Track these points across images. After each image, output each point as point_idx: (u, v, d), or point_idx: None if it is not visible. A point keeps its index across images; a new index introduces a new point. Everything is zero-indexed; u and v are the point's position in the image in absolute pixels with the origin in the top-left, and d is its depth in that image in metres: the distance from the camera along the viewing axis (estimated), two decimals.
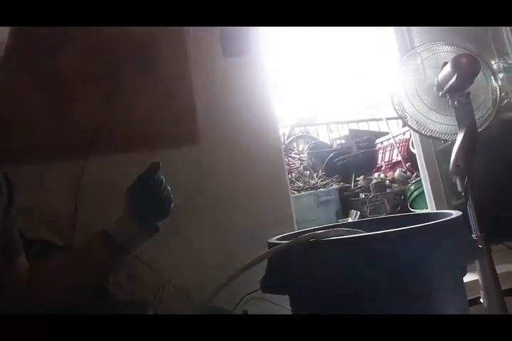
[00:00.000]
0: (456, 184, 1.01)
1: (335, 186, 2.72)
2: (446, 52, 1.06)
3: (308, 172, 3.12)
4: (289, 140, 3.52)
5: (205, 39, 1.29)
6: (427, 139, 1.59)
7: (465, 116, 0.99)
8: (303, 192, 2.64)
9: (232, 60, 1.30)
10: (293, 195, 2.56)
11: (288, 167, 3.21)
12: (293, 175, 3.07)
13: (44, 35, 1.18)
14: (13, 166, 1.09)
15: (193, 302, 1.02)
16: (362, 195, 2.64)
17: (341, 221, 2.27)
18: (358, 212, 2.46)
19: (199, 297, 1.01)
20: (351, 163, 2.96)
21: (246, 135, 1.30)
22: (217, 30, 1.28)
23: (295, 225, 1.35)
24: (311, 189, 2.70)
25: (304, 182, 2.85)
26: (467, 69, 0.91)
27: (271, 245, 0.58)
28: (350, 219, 2.33)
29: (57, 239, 0.92)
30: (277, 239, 0.64)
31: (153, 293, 1.04)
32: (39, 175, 1.11)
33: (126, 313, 0.53)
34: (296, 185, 2.84)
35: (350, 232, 0.51)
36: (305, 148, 3.42)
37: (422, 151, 1.59)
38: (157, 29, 1.22)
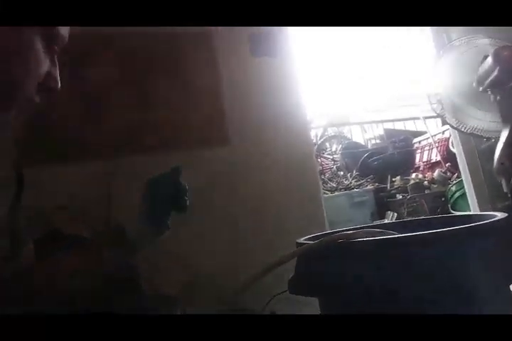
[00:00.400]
0: (501, 184, 0.95)
1: (370, 187, 2.65)
2: (485, 45, 1.00)
3: (341, 172, 3.06)
4: (322, 140, 3.47)
5: (234, 39, 1.30)
6: (468, 137, 1.50)
7: (509, 111, 0.93)
8: (336, 193, 2.59)
9: (262, 59, 1.30)
10: (325, 195, 2.52)
11: (321, 167, 3.16)
12: (326, 175, 3.03)
13: (77, 40, 1.25)
14: (50, 166, 1.18)
15: (219, 299, 1.03)
16: (399, 196, 2.55)
17: (376, 222, 2.21)
18: (395, 214, 2.38)
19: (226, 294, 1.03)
20: (387, 163, 2.86)
21: (276, 135, 1.30)
22: (246, 30, 1.29)
23: (326, 226, 1.33)
24: (345, 189, 2.64)
25: (338, 183, 2.80)
26: (510, 62, 0.86)
27: (299, 245, 0.57)
28: (386, 221, 2.25)
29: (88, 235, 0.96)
30: (306, 239, 0.63)
31: (178, 288, 1.06)
32: (74, 175, 1.17)
33: (156, 308, 0.53)
34: (329, 185, 2.79)
35: (382, 234, 0.49)
36: (338, 148, 3.35)
37: (463, 150, 1.51)
38: (184, 30, 1.25)
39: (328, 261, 0.53)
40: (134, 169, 1.18)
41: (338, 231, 0.72)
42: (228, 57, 1.31)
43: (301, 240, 0.61)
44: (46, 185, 1.11)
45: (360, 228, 0.67)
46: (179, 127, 1.29)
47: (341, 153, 3.20)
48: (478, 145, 1.50)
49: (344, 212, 2.32)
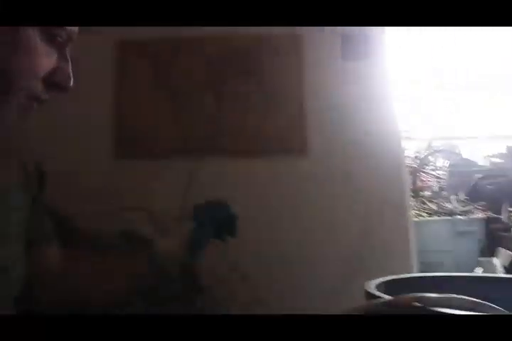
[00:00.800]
0: None
1: (480, 215, 2.23)
2: None
3: (445, 193, 2.66)
4: (426, 154, 3.08)
5: (322, 42, 1.20)
6: None
7: None
8: (435, 217, 2.25)
9: (352, 64, 1.17)
10: (421, 218, 2.21)
11: (420, 184, 2.81)
12: (425, 193, 2.66)
13: (160, 49, 1.30)
14: (134, 164, 1.24)
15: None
16: None
17: (478, 269, 1.81)
18: (509, 252, 1.94)
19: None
20: (505, 188, 2.37)
21: (361, 147, 1.16)
22: (337, 31, 1.17)
23: (413, 256, 1.13)
24: (447, 214, 2.27)
25: (438, 206, 2.43)
26: None
27: (367, 295, 0.45)
28: (496, 261, 1.85)
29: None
30: (379, 284, 0.50)
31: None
32: (153, 175, 1.21)
33: None
34: (427, 206, 2.44)
35: (478, 306, 0.34)
36: (444, 164, 2.93)
37: None
38: (269, 31, 1.19)
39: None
40: (211, 170, 1.17)
41: (425, 278, 0.57)
42: (315, 60, 1.22)
43: (371, 287, 0.49)
44: (124, 184, 1.18)
45: (459, 277, 0.51)
46: (258, 133, 1.24)
47: (449, 171, 2.78)
48: None
49: (443, 242, 1.99)
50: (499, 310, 0.34)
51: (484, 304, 0.34)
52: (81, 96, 1.26)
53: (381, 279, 0.51)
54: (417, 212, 2.31)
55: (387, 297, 0.41)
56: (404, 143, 1.21)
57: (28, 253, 0.47)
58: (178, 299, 0.81)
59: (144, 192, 1.14)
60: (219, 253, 1.03)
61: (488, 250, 2.07)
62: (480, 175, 2.53)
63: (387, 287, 0.49)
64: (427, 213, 2.34)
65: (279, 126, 1.24)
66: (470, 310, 0.34)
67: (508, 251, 1.98)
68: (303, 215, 1.17)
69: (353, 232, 1.13)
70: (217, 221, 0.60)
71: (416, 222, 1.81)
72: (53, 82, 0.39)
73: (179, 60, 1.29)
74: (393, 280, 0.53)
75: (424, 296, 0.36)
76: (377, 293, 0.44)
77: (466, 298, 0.35)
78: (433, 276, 0.59)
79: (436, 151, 3.11)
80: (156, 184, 1.17)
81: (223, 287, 1.05)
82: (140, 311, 0.76)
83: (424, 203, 2.51)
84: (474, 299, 0.35)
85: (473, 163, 2.90)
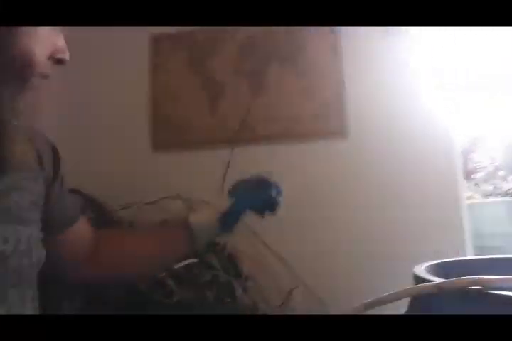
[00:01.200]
0: None
1: None
2: None
3: (502, 172, 2.45)
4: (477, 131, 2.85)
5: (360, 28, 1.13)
6: None
7: None
8: (491, 199, 2.08)
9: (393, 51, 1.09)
10: (476, 200, 2.06)
11: (472, 165, 2.61)
12: (479, 175, 2.47)
13: (201, 38, 1.29)
14: (170, 153, 1.26)
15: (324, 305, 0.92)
16: None
17: None
18: None
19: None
20: None
21: (404, 126, 1.09)
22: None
23: (467, 239, 1.05)
24: (504, 195, 2.10)
25: (495, 186, 2.25)
26: None
27: (416, 278, 0.42)
28: None
29: None
30: (429, 268, 0.46)
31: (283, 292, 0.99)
32: (190, 165, 1.22)
33: None
34: (481, 188, 2.27)
35: None
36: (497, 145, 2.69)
37: None
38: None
39: (452, 310, 0.37)
40: (248, 158, 1.16)
41: (481, 260, 0.52)
42: (356, 44, 1.16)
43: (422, 269, 0.45)
44: (161, 174, 1.20)
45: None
46: (294, 117, 1.21)
47: (504, 147, 2.55)
48: None
49: (501, 225, 1.84)
50: None
51: None
52: (117, 86, 1.31)
53: (430, 263, 0.47)
54: (471, 194, 2.16)
55: (438, 280, 0.37)
56: (453, 124, 1.12)
57: (52, 234, 0.47)
58: (218, 287, 0.82)
59: (181, 182, 1.16)
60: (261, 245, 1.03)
61: None
62: None
63: (437, 270, 0.45)
64: (481, 196, 2.17)
65: (314, 109, 1.20)
66: None
67: None
68: (348, 196, 1.12)
69: (402, 212, 1.07)
70: (255, 195, 0.58)
71: (470, 204, 1.68)
72: (55, 58, 0.40)
73: (214, 48, 1.29)
74: (444, 262, 0.48)
75: (483, 278, 0.32)
76: (427, 276, 0.41)
77: None
78: (487, 259, 0.53)
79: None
80: (193, 174, 1.18)
81: (266, 275, 1.04)
82: (177, 297, 0.77)
83: (478, 185, 2.34)
84: None
85: None
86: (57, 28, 0.40)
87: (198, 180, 1.15)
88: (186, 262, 0.80)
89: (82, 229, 0.54)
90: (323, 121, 1.18)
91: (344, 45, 1.19)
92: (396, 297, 0.38)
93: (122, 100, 1.30)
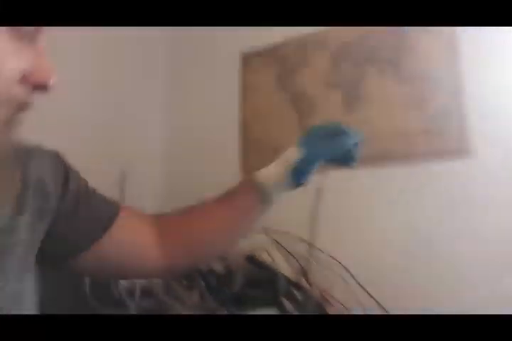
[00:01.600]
0: None
1: None
2: None
3: None
4: None
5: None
6: None
7: None
8: None
9: None
10: None
11: None
12: None
13: (290, 50, 1.22)
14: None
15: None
16: None
17: None
18: None
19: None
20: None
21: None
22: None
23: None
24: None
25: None
26: None
27: None
28: None
29: (289, 268, 0.89)
30: None
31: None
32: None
33: None
34: None
35: None
36: None
37: None
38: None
39: None
40: (343, 183, 1.05)
41: None
42: (477, 45, 0.96)
43: None
44: None
45: None
46: (399, 132, 1.05)
47: None
48: None
49: None
50: None
51: None
52: (207, 107, 1.32)
53: None
54: None
55: None
56: None
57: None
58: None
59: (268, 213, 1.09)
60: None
61: None
62: None
63: None
64: None
65: (424, 126, 1.02)
66: None
67: None
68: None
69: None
70: (329, 144, 0.51)
71: None
72: (32, 81, 0.32)
73: (305, 60, 1.21)
74: None
75: None
76: None
77: None
78: None
79: None
80: (283, 202, 1.10)
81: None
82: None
83: None
84: None
85: None
86: (39, 40, 0.33)
87: (288, 211, 1.07)
88: (264, 312, 0.70)
89: (127, 223, 0.46)
90: (436, 136, 1.00)
91: (463, 45, 1.00)
92: None
93: (214, 123, 1.31)
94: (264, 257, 0.84)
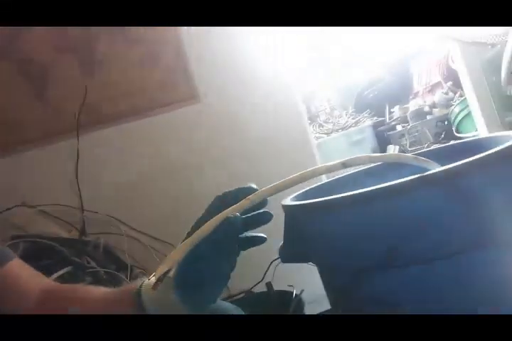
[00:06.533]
0: (509, 95, 0.80)
1: (367, 122, 2.49)
2: None
3: (337, 111, 2.89)
4: (313, 81, 3.24)
5: None
6: (470, 48, 1.32)
7: None
8: (333, 135, 2.45)
9: None
10: (322, 139, 2.39)
11: (314, 109, 2.99)
12: (321, 118, 2.86)
13: None
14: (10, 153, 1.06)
15: None
16: (399, 127, 2.40)
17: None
18: (397, 147, 2.25)
19: None
20: (384, 93, 2.67)
21: (252, 86, 1.15)
22: None
23: (323, 176, 1.22)
24: (342, 130, 2.50)
25: (334, 124, 2.65)
26: None
27: (285, 208, 0.47)
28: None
29: (65, 233, 0.87)
30: (295, 198, 0.52)
31: None
32: (33, 169, 1.05)
33: None
34: (325, 128, 2.64)
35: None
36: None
37: (465, 64, 1.34)
38: None
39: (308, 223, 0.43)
40: (98, 143, 1.06)
41: (336, 181, 0.60)
42: None
43: (288, 201, 0.50)
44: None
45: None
46: (134, 93, 1.13)
47: (334, 91, 2.99)
48: (481, 55, 1.32)
49: (343, 154, 2.21)
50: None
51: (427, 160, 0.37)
52: None
53: (293, 195, 0.53)
54: (318, 134, 2.49)
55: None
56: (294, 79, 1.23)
57: None
58: None
59: (25, 187, 0.99)
60: None
61: (381, 151, 2.37)
62: (360, 87, 2.78)
63: (304, 198, 0.50)
64: (325, 134, 2.53)
65: (158, 81, 1.14)
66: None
67: (396, 146, 2.29)
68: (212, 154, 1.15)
69: (261, 164, 1.16)
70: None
71: (318, 143, 1.95)
72: None
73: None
74: (308, 190, 0.55)
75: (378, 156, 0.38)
76: (295, 202, 0.46)
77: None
78: (342, 177, 0.62)
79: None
80: (38, 175, 1.01)
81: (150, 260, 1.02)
82: None
83: (322, 126, 2.70)
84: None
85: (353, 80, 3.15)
86: None
87: (46, 181, 1.00)
88: (61, 272, 0.71)
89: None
90: (169, 88, 1.15)
91: None
92: (303, 177, 0.41)
93: None
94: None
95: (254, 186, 0.42)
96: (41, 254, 0.75)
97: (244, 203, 0.39)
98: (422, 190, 0.34)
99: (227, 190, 0.42)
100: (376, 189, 0.35)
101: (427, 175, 0.34)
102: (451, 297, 0.35)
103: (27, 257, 0.71)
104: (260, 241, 0.41)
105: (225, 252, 0.39)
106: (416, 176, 0.34)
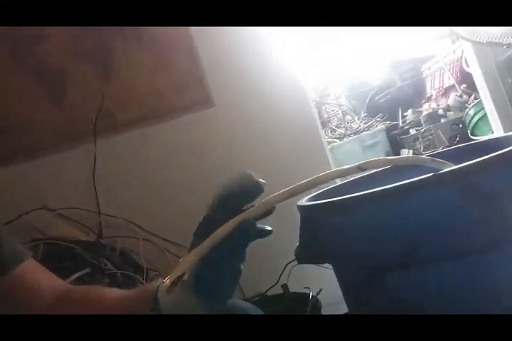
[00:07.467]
0: None
1: (380, 126, 2.48)
2: None
3: (349, 116, 2.88)
4: (323, 86, 3.24)
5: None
6: (484, 50, 1.31)
7: None
8: (345, 139, 2.44)
9: None
10: (334, 143, 2.38)
11: (326, 115, 2.99)
12: (333, 123, 2.86)
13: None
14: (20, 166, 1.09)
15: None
16: (412, 131, 2.37)
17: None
18: (411, 151, 2.23)
19: None
20: (396, 97, 2.65)
21: (265, 90, 1.15)
22: None
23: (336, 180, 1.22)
24: (354, 134, 2.49)
25: (346, 129, 2.64)
26: None
27: (301, 208, 0.47)
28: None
29: (83, 236, 0.89)
30: (309, 200, 0.53)
31: None
32: (51, 173, 1.08)
33: None
34: (337, 132, 2.64)
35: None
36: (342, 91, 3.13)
37: (480, 66, 1.32)
38: None
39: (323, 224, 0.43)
40: (115, 148, 1.08)
41: (348, 183, 0.60)
42: None
43: (303, 202, 0.51)
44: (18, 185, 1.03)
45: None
46: (150, 98, 1.15)
47: (346, 96, 2.99)
48: (496, 57, 1.30)
49: (356, 158, 2.19)
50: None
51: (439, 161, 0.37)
52: None
53: (308, 197, 0.53)
54: (330, 139, 2.48)
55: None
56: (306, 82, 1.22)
57: None
58: None
59: (44, 192, 1.01)
60: None
61: (394, 154, 2.34)
62: (372, 92, 2.77)
63: (320, 199, 0.51)
64: (337, 139, 2.52)
65: (172, 86, 1.16)
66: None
67: (409, 150, 2.27)
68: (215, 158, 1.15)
69: (274, 170, 1.16)
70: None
71: (330, 147, 1.94)
72: None
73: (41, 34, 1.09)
74: (323, 192, 0.55)
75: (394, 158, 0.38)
76: (309, 204, 0.46)
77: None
78: (353, 180, 0.62)
79: (331, 82, 3.28)
80: (56, 180, 1.03)
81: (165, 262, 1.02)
82: None
83: (334, 131, 2.70)
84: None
85: (365, 83, 3.14)
86: None
87: (65, 185, 1.03)
88: (79, 274, 0.73)
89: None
90: (184, 92, 1.16)
91: None
92: (320, 180, 0.41)
93: None
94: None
95: (249, 172, 0.40)
96: (61, 256, 0.76)
97: (260, 207, 0.40)
98: (436, 188, 0.34)
99: (226, 186, 0.40)
100: (391, 187, 0.35)
101: (440, 173, 0.34)
102: (468, 296, 0.35)
103: (47, 259, 0.73)
104: (267, 233, 0.41)
105: (242, 256, 0.40)
106: (430, 175, 0.34)
